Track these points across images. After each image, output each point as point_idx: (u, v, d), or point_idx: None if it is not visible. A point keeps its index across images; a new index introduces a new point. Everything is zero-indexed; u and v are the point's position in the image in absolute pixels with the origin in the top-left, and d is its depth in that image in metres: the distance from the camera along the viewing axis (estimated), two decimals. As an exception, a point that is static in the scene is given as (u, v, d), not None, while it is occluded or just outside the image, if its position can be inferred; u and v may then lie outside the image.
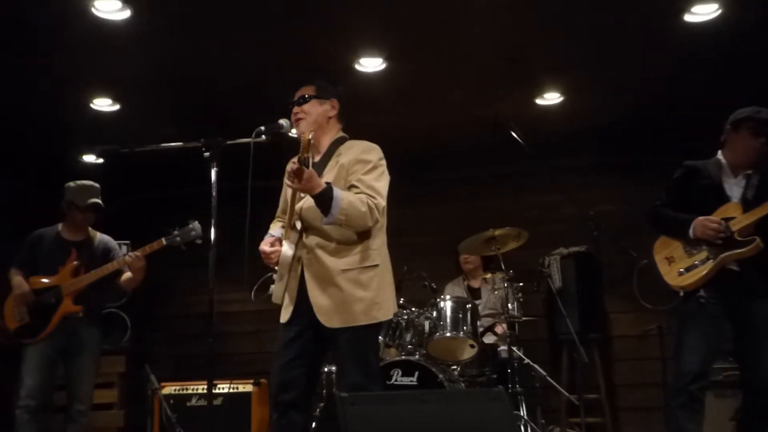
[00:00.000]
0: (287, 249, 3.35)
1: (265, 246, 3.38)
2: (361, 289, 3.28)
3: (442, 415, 2.30)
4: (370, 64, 5.19)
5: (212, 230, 3.11)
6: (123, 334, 6.35)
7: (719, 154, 3.96)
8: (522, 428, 5.14)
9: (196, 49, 4.96)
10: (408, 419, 2.27)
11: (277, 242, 3.41)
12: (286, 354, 3.31)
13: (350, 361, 3.25)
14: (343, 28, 4.73)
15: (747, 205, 3.76)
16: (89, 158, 6.90)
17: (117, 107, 5.71)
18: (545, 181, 6.88)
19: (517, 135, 5.46)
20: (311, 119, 3.47)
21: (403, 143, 6.60)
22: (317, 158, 3.47)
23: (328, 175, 3.36)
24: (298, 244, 3.35)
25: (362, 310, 3.26)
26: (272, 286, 3.40)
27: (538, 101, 5.91)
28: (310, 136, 3.02)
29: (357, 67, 5.19)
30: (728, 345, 3.97)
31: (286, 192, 3.56)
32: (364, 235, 3.34)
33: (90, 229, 4.93)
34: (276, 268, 3.39)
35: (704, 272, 3.78)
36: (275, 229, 3.57)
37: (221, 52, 5.02)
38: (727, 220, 3.77)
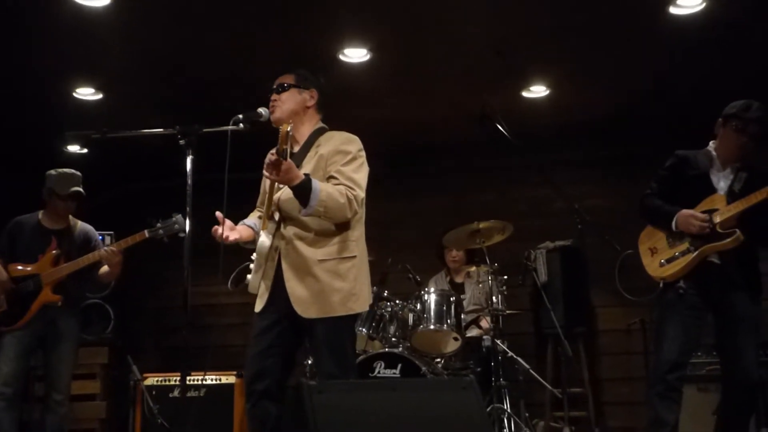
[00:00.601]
0: (264, 239, 3.33)
1: (236, 233, 3.37)
2: (338, 279, 3.28)
3: (411, 403, 2.28)
4: (355, 55, 5.14)
5: (187, 220, 3.07)
6: (106, 325, 6.32)
7: (710, 145, 3.96)
8: (505, 421, 5.14)
9: (178, 38, 4.92)
10: (377, 407, 2.24)
11: (231, 224, 3.39)
12: (260, 343, 3.30)
13: (327, 352, 3.24)
14: (326, 17, 4.68)
15: (732, 197, 3.76)
16: (74, 148, 6.84)
17: (100, 96, 5.66)
18: (533, 175, 6.86)
19: (503, 128, 5.42)
20: (288, 107, 3.46)
21: (390, 136, 6.59)
22: (296, 148, 3.46)
23: (307, 166, 3.35)
24: (276, 234, 3.35)
25: (339, 300, 3.26)
26: (248, 276, 3.37)
27: (525, 94, 5.88)
28: (288, 128, 3.00)
29: (341, 57, 5.15)
30: (711, 338, 3.98)
31: (265, 183, 3.54)
32: (342, 226, 3.34)
33: (71, 217, 4.90)
34: (253, 256, 3.37)
35: (684, 264, 3.79)
36: (250, 219, 3.56)
37: (204, 41, 4.97)
38: (710, 211, 3.76)
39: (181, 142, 3.03)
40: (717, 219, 3.72)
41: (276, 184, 3.30)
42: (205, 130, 3.07)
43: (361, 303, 3.34)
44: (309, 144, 3.47)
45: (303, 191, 3.13)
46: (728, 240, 3.68)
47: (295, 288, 3.25)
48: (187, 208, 3.04)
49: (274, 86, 3.49)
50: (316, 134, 3.50)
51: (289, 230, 3.32)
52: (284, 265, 3.28)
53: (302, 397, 2.13)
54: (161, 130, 3.08)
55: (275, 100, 3.46)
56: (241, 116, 3.26)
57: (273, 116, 3.44)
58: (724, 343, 3.81)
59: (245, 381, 3.34)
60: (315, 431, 2.07)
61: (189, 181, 3.01)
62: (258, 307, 3.36)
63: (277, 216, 3.38)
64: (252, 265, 3.39)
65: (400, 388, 2.33)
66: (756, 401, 3.83)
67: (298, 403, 2.19)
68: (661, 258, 3.91)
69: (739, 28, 4.85)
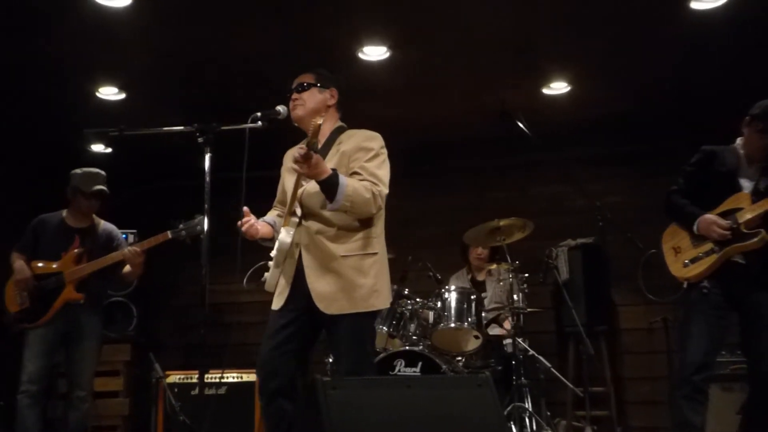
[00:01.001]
0: (285, 236, 3.32)
1: (258, 227, 3.37)
2: (361, 276, 3.29)
3: (426, 400, 2.27)
4: (374, 53, 5.13)
5: (205, 217, 3.09)
6: (129, 323, 6.37)
7: (737, 142, 3.91)
8: (526, 420, 5.11)
9: (198, 37, 4.94)
10: (391, 404, 2.24)
11: (256, 221, 3.39)
12: (275, 340, 3.30)
13: (348, 348, 3.24)
14: (345, 15, 4.69)
15: (758, 197, 3.71)
16: (98, 148, 6.92)
17: (123, 96, 5.71)
18: (553, 172, 6.82)
19: (524, 124, 5.40)
20: (309, 106, 3.47)
21: (410, 134, 6.58)
22: (318, 146, 3.46)
23: (330, 163, 3.34)
24: (297, 230, 3.34)
25: (362, 296, 3.27)
26: (266, 274, 3.38)
27: (545, 91, 5.84)
28: (320, 122, 3.01)
29: (360, 55, 5.15)
30: (735, 337, 3.94)
31: (285, 179, 3.55)
32: (365, 223, 3.36)
33: (94, 216, 4.95)
34: (272, 254, 3.37)
35: (708, 264, 3.75)
36: (270, 216, 3.57)
37: (224, 40, 5.00)
38: (735, 210, 3.72)
39: (200, 139, 3.05)
40: (742, 219, 3.67)
41: (299, 179, 3.30)
42: (223, 127, 3.09)
43: (383, 300, 3.34)
44: (330, 142, 3.48)
45: (330, 186, 3.14)
46: (753, 240, 3.63)
47: (317, 284, 3.24)
48: (205, 206, 3.05)
49: (294, 85, 3.49)
50: (337, 132, 3.51)
51: (312, 226, 3.31)
52: (306, 261, 3.28)
53: (316, 393, 2.14)
54: (179, 127, 3.09)
55: (296, 99, 3.47)
56: (259, 114, 3.28)
57: (294, 115, 3.46)
58: (749, 343, 3.77)
59: (259, 379, 3.35)
60: (329, 427, 2.08)
61: (207, 179, 3.03)
62: (277, 304, 3.35)
63: (299, 212, 3.38)
64: (270, 263, 3.40)
65: (415, 386, 2.32)
66: None
67: (312, 400, 2.19)
68: (684, 258, 3.87)
69: (760, 24, 4.78)
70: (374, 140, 3.42)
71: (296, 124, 3.52)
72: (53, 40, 4.91)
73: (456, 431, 2.22)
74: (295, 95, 3.48)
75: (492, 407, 2.25)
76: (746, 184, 3.81)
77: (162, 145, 6.39)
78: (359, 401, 2.21)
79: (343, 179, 3.18)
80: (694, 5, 4.56)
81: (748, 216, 3.65)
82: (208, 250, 3.01)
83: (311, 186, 3.26)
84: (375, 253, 3.36)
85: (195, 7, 4.57)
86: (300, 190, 3.35)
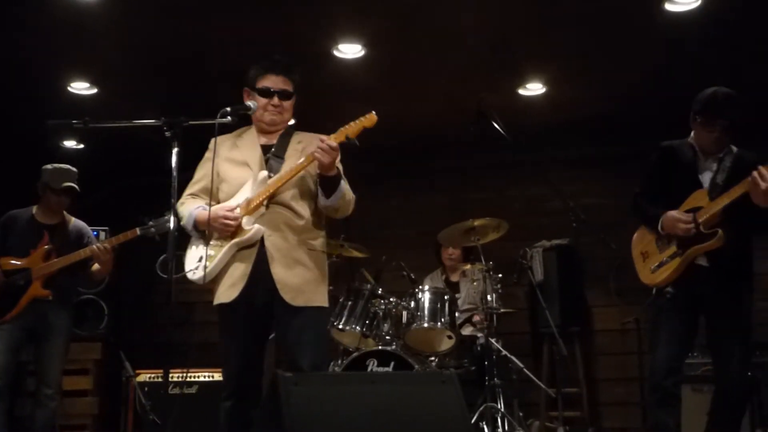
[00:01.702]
0: (247, 224, 3.24)
1: (228, 213, 3.22)
2: (322, 272, 3.32)
3: (390, 396, 2.24)
4: (350, 51, 5.11)
5: (172, 213, 3.04)
6: (100, 321, 6.28)
7: (691, 136, 3.88)
8: (499, 421, 5.10)
9: (172, 32, 4.89)
10: (354, 401, 2.21)
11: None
12: (238, 338, 3.25)
13: (311, 341, 3.19)
14: (320, 12, 4.65)
15: (714, 190, 3.68)
16: (70, 143, 6.86)
17: (95, 91, 5.64)
18: (530, 174, 6.82)
19: (499, 125, 5.38)
20: (286, 117, 3.48)
21: (386, 133, 6.51)
22: (272, 141, 3.45)
23: (291, 160, 3.34)
24: (260, 219, 3.25)
25: (323, 292, 3.30)
26: (197, 263, 3.26)
27: (521, 91, 5.85)
28: (373, 122, 3.15)
29: (336, 53, 5.12)
30: (704, 339, 3.94)
31: (224, 168, 3.40)
32: (324, 223, 3.40)
33: (65, 213, 4.90)
34: (212, 243, 3.28)
35: (672, 269, 3.72)
36: (195, 204, 3.38)
37: (199, 35, 4.95)
38: (694, 210, 3.69)
39: (167, 133, 2.99)
40: (700, 218, 3.62)
41: (269, 171, 3.28)
42: (190, 122, 3.02)
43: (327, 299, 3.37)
44: (285, 138, 3.46)
45: (335, 182, 3.19)
46: (712, 241, 3.58)
47: (283, 275, 3.18)
48: (172, 200, 3.00)
49: (278, 90, 3.41)
50: (290, 130, 3.51)
51: (279, 217, 3.25)
52: (271, 251, 3.20)
53: (277, 389, 2.10)
54: (146, 121, 3.04)
55: (279, 106, 3.41)
56: (229, 109, 3.20)
57: (273, 120, 3.42)
58: (714, 344, 3.75)
59: (226, 378, 3.28)
60: (290, 424, 2.04)
61: (174, 173, 2.96)
62: (230, 296, 3.21)
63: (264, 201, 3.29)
64: (200, 253, 3.28)
65: (378, 381, 2.30)
66: (745, 403, 3.76)
67: (272, 396, 2.16)
68: (651, 264, 3.85)
69: (735, 25, 4.81)
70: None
71: (264, 126, 3.46)
72: (23, 33, 4.84)
73: (420, 427, 2.20)
74: (278, 101, 3.41)
75: (456, 404, 2.23)
76: (706, 178, 3.77)
77: (135, 142, 6.33)
78: (321, 397, 2.17)
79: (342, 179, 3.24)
80: (668, 7, 4.57)
81: (705, 216, 3.61)
82: (175, 246, 2.95)
83: (294, 178, 3.23)
84: (325, 253, 3.41)
85: (168, 1, 4.52)
86: (272, 180, 3.27)
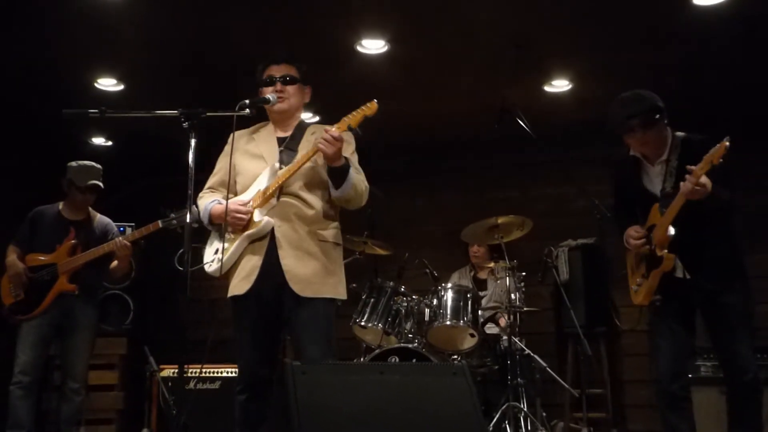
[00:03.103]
0: (259, 216, 3.26)
1: (240, 206, 3.24)
2: (332, 263, 3.31)
3: (399, 387, 2.22)
4: (373, 46, 5.08)
5: (189, 205, 3.05)
6: (126, 316, 6.33)
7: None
8: (521, 420, 5.06)
9: (196, 28, 4.92)
10: (362, 390, 2.19)
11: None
12: (251, 330, 3.26)
13: (319, 332, 3.20)
14: (343, 7, 4.64)
15: (664, 201, 3.55)
16: (98, 140, 6.93)
17: (121, 87, 5.69)
18: (556, 172, 6.75)
19: (524, 122, 5.33)
20: (294, 102, 3.48)
21: (411, 130, 6.54)
22: (288, 133, 3.46)
23: (304, 151, 3.35)
24: (271, 211, 3.27)
25: (333, 283, 3.29)
26: (213, 256, 3.28)
27: (547, 88, 5.79)
28: (374, 110, 3.14)
29: (359, 48, 5.10)
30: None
31: (239, 161, 3.42)
32: (337, 214, 3.41)
33: (90, 209, 4.95)
34: (227, 236, 3.29)
35: (645, 291, 3.68)
36: (213, 198, 3.42)
37: (222, 32, 4.97)
38: (651, 228, 3.61)
39: (185, 124, 3.00)
40: (655, 237, 3.53)
41: (281, 163, 3.30)
42: (208, 113, 3.04)
43: (344, 292, 3.37)
44: (300, 131, 3.47)
45: (343, 173, 3.18)
46: (661, 266, 3.51)
47: (293, 266, 3.19)
48: (189, 192, 3.00)
49: (279, 76, 3.44)
50: (301, 125, 3.52)
51: (290, 208, 3.26)
52: (282, 244, 3.21)
53: (285, 377, 2.09)
54: (163, 112, 3.05)
55: (283, 91, 3.43)
56: (247, 101, 3.22)
57: (280, 107, 3.42)
58: (718, 344, 3.67)
59: (242, 371, 3.29)
60: (296, 414, 2.03)
61: (191, 164, 2.98)
62: (242, 288, 3.23)
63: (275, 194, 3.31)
64: (217, 246, 3.31)
65: (387, 372, 2.27)
66: (760, 395, 3.66)
67: (280, 385, 2.15)
68: (633, 284, 3.81)
69: (764, 20, 4.71)
70: (350, 136, 3.41)
71: (276, 116, 3.49)
72: (49, 30, 4.89)
73: (428, 419, 2.17)
74: (280, 86, 3.43)
75: (466, 396, 2.20)
76: (655, 187, 3.66)
77: (162, 140, 6.36)
78: (329, 386, 2.16)
79: (351, 169, 3.21)
80: (696, 1, 4.49)
81: (658, 234, 3.52)
82: (191, 239, 2.96)
83: (303, 168, 3.24)
84: (340, 245, 3.40)
85: (193, -1, 4.56)
86: (281, 171, 3.28)
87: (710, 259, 3.55)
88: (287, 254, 3.20)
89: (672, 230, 3.48)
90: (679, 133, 3.72)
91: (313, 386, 2.11)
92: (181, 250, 3.40)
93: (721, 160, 3.23)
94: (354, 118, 3.18)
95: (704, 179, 3.30)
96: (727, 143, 3.22)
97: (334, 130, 3.13)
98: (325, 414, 2.08)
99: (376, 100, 3.20)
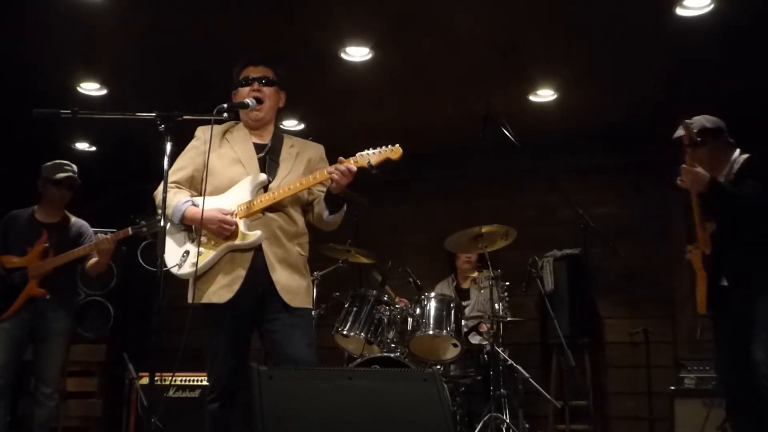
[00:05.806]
0: (245, 228, 3.21)
1: (227, 216, 3.17)
2: (307, 276, 3.38)
3: (368, 393, 2.17)
4: (357, 54, 5.06)
5: (163, 212, 3.00)
6: (105, 323, 6.25)
7: None
8: (504, 431, 5.00)
9: (179, 33, 4.89)
10: (330, 396, 2.14)
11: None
12: (231, 339, 3.22)
13: (305, 341, 3.20)
14: (328, 14, 4.62)
15: None
16: (82, 146, 6.88)
17: (105, 92, 5.65)
18: (541, 182, 6.72)
19: (508, 131, 5.30)
20: (270, 105, 3.42)
21: (395, 139, 6.45)
22: (265, 141, 3.42)
23: (286, 164, 3.35)
24: (255, 223, 3.23)
25: (309, 294, 3.37)
26: (178, 258, 3.22)
27: (532, 98, 5.78)
28: (398, 155, 3.09)
29: (343, 56, 5.08)
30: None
31: (215, 161, 3.31)
32: (307, 229, 3.43)
33: (66, 212, 4.88)
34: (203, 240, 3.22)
35: (699, 295, 3.82)
36: (187, 196, 3.31)
37: (207, 37, 4.93)
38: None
39: (161, 127, 2.95)
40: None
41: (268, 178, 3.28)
42: (185, 116, 2.99)
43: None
44: (278, 141, 3.43)
45: (342, 202, 3.26)
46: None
47: (283, 277, 3.19)
48: (164, 195, 2.96)
49: (257, 77, 3.38)
50: (279, 134, 3.48)
51: (273, 223, 3.24)
52: (269, 254, 3.19)
53: (251, 382, 2.04)
54: (139, 114, 3.00)
55: (260, 90, 3.37)
56: (226, 105, 3.17)
57: (257, 115, 3.37)
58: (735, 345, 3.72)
59: (215, 380, 3.23)
60: (260, 419, 1.97)
61: (166, 167, 2.93)
62: (222, 297, 3.16)
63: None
64: (184, 247, 3.24)
65: (356, 378, 2.22)
66: None
67: (245, 390, 2.10)
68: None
69: (751, 33, 4.73)
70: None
71: (251, 122, 3.42)
72: (31, 34, 4.85)
73: (397, 425, 2.12)
74: (257, 86, 3.37)
75: (437, 403, 2.15)
76: None
77: (145, 147, 6.31)
78: (296, 392, 2.10)
79: None
80: (680, 12, 4.49)
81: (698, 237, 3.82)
82: (162, 246, 2.92)
83: (293, 185, 3.22)
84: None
85: (176, 3, 4.51)
86: (274, 183, 3.27)
87: (742, 267, 3.66)
88: (277, 268, 3.19)
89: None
90: (745, 155, 3.83)
91: (279, 392, 2.06)
92: (144, 243, 3.36)
93: None
94: (375, 157, 3.11)
95: (696, 170, 3.57)
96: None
97: (350, 163, 3.11)
98: (290, 420, 2.02)
99: (399, 146, 3.12)
